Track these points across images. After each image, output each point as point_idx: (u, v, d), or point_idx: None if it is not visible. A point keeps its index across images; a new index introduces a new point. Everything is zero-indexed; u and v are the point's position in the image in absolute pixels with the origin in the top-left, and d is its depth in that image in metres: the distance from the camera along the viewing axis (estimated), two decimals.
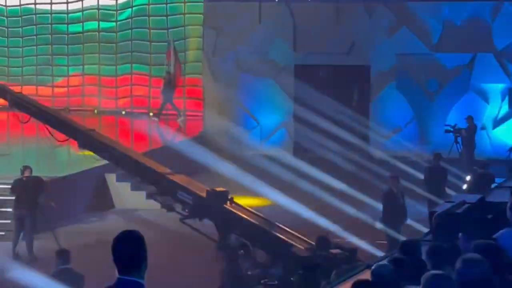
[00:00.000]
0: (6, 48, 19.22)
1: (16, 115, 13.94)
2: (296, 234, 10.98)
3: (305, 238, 10.81)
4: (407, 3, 16.96)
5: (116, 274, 3.08)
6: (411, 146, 15.94)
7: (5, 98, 13.67)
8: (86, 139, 12.95)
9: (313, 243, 10.34)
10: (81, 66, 18.54)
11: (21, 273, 10.02)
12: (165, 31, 18.56)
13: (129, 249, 3.10)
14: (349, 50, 17.01)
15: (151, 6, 18.43)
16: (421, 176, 12.92)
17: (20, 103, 13.68)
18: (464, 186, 12.56)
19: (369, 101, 17.04)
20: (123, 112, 18.26)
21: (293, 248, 10.79)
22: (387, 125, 16.77)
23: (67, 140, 13.32)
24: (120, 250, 3.06)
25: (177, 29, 18.54)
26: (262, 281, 10.04)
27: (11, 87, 15.62)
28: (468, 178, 12.57)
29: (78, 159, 14.81)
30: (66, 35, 18.79)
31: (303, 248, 10.75)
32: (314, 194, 13.15)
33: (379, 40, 16.97)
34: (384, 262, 5.07)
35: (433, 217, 6.04)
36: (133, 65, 18.69)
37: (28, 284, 9.53)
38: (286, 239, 10.94)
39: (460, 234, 4.86)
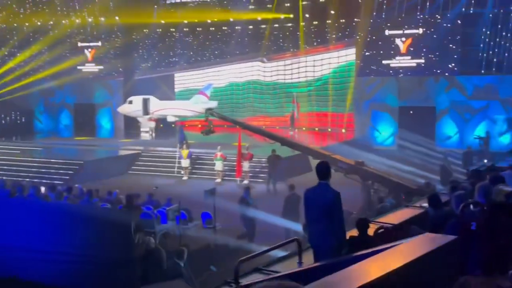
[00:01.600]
0: (261, 102, 34.27)
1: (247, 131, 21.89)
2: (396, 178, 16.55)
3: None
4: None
5: (317, 180, 5.96)
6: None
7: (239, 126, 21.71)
8: (283, 141, 19.55)
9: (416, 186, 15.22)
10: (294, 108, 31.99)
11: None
12: (337, 91, 31.86)
13: (322, 169, 6.04)
14: (425, 99, 28.68)
15: (331, 79, 32.13)
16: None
17: (246, 127, 21.62)
18: None
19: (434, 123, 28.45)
20: (316, 129, 32.10)
21: (403, 185, 15.27)
22: (442, 135, 28.42)
23: (274, 142, 19.86)
24: (319, 170, 6.00)
25: (341, 90, 31.54)
26: (380, 203, 14.30)
27: (260, 119, 31.61)
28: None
29: (286, 149, 20.25)
30: (289, 93, 32.65)
31: (413, 186, 15.28)
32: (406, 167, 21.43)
33: (441, 94, 28.53)
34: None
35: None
36: (315, 107, 32.37)
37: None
38: (395, 180, 16.06)
39: None
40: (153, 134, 31.96)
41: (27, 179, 21.23)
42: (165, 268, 8.96)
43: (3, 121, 36.24)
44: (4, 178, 21.22)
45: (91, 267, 9.52)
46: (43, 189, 16.39)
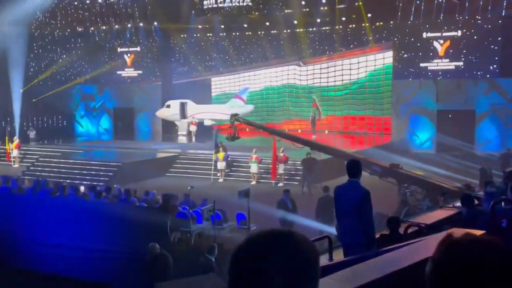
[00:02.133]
0: (297, 106, 34.19)
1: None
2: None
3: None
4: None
5: (347, 178, 6.22)
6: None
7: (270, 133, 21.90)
8: (313, 145, 20.47)
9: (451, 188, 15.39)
10: (330, 111, 32.78)
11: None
12: (374, 94, 31.84)
13: (352, 166, 6.17)
14: (464, 102, 27.96)
15: (367, 83, 32.20)
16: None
17: (273, 131, 22.28)
18: None
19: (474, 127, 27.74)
20: (352, 132, 32.19)
21: (441, 186, 15.49)
22: (482, 139, 27.69)
23: (303, 146, 20.30)
24: (348, 167, 6.05)
25: (378, 93, 31.57)
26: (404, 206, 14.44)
27: (296, 123, 31.69)
28: None
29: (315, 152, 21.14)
30: (326, 97, 33.07)
31: (451, 188, 15.34)
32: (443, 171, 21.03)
33: (481, 97, 27.77)
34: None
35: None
36: (351, 110, 32.43)
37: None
38: (432, 181, 16.52)
39: None
40: (194, 138, 32.22)
41: (69, 180, 21.84)
42: (171, 274, 9.00)
43: (46, 125, 37.25)
44: (47, 179, 21.83)
45: (128, 264, 9.77)
46: (82, 188, 16.84)
